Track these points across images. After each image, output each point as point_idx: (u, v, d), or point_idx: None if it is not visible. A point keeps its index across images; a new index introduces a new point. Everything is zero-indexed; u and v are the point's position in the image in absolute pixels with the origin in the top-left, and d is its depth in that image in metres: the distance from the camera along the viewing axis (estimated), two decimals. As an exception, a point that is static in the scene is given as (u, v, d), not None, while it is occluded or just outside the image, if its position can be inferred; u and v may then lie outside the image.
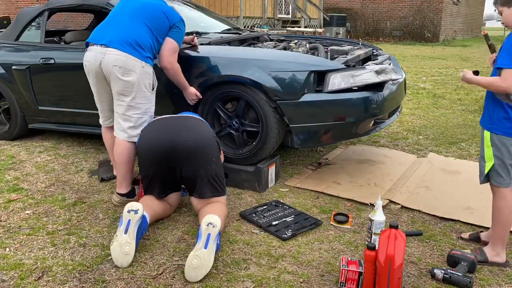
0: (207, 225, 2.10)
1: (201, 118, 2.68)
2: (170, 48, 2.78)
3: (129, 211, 2.16)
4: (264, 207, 2.75)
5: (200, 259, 2.03)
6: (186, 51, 3.14)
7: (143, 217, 2.25)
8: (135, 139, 2.68)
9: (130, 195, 2.81)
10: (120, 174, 2.77)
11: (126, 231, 2.14)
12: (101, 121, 2.97)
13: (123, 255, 2.12)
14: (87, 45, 2.74)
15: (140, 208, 2.18)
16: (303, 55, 3.08)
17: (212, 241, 2.09)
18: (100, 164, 3.31)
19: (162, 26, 2.73)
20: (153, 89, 2.75)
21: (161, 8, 2.74)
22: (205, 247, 2.06)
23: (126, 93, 2.64)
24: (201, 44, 3.30)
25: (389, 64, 3.44)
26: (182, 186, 2.71)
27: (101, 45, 2.64)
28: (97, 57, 2.63)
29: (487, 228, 2.51)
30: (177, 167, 2.45)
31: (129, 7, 2.75)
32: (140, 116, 2.69)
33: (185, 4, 4.34)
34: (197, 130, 2.49)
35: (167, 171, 2.48)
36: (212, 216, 2.15)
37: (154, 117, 2.69)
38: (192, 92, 2.98)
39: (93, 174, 3.32)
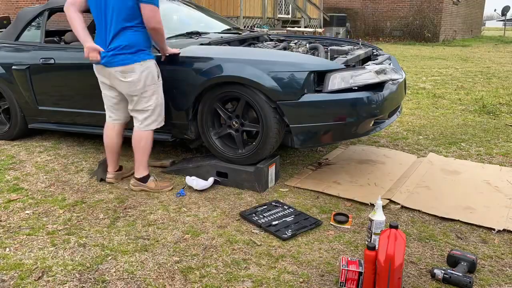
0: None
1: None
2: (148, 15, 2.75)
3: None
4: (264, 207, 2.75)
5: None
6: (187, 51, 3.14)
7: None
8: (152, 126, 2.98)
9: (144, 180, 3.04)
10: (136, 159, 3.04)
11: None
12: (107, 117, 3.15)
13: None
14: None
15: None
16: (303, 55, 3.08)
17: None
18: (99, 164, 3.31)
19: (129, 8, 2.74)
20: (158, 78, 2.93)
21: None
22: None
23: (132, 92, 2.88)
24: (201, 44, 3.30)
25: (389, 64, 3.44)
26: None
27: None
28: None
29: (487, 228, 2.51)
30: None
31: (100, 5, 2.82)
32: (153, 108, 2.94)
33: (185, 4, 4.34)
34: None
35: None
36: None
37: None
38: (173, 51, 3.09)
39: (93, 175, 3.32)
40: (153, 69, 2.88)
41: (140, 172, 3.04)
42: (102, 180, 3.21)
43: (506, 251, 2.30)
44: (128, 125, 3.15)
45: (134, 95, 2.88)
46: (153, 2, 2.73)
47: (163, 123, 3.07)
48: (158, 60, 3.13)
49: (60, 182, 3.21)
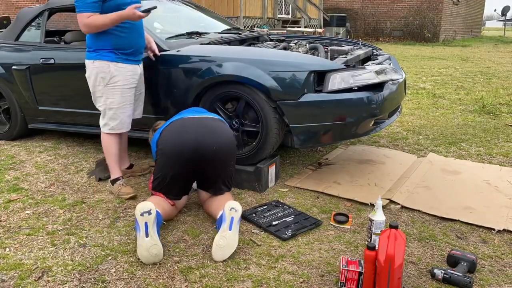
0: (230, 210, 2.27)
1: (221, 119, 2.67)
2: (79, 22, 2.74)
3: (142, 214, 2.17)
4: (264, 207, 2.75)
5: (226, 239, 2.19)
6: (186, 51, 3.14)
7: (157, 213, 2.28)
8: (104, 129, 2.94)
9: (112, 182, 3.01)
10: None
11: (147, 235, 2.15)
12: None
13: (153, 257, 2.14)
14: None
15: (152, 207, 2.20)
16: (303, 55, 3.08)
17: (236, 223, 2.25)
18: (96, 164, 3.31)
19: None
20: (111, 81, 2.85)
21: None
22: (230, 229, 2.23)
23: (89, 88, 2.97)
24: (201, 44, 3.31)
25: (389, 64, 3.44)
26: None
27: None
28: None
29: (487, 228, 2.51)
30: (197, 169, 2.51)
31: None
32: (102, 109, 2.94)
33: (185, 4, 4.35)
34: (221, 134, 2.51)
35: (186, 173, 2.52)
36: (234, 202, 2.31)
37: (173, 117, 2.68)
38: (132, 10, 2.69)
39: (91, 175, 3.32)
40: (104, 70, 2.82)
41: (112, 174, 3.03)
42: (101, 180, 3.21)
43: (506, 251, 2.30)
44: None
45: (91, 91, 2.97)
46: (79, 9, 2.71)
47: (122, 130, 2.96)
48: (157, 61, 3.14)
49: (60, 182, 3.21)
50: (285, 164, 3.58)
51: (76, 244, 2.36)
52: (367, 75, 2.93)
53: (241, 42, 3.81)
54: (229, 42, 3.59)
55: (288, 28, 12.70)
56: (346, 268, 1.96)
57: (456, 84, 7.39)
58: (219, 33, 3.92)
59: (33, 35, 3.99)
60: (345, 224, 2.57)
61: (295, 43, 3.82)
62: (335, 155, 3.74)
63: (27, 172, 3.42)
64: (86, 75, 2.93)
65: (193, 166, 2.48)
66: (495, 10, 31.79)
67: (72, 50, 3.68)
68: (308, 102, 2.85)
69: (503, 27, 27.96)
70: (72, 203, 2.86)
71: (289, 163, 3.60)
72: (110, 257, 2.23)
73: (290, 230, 2.46)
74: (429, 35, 18.00)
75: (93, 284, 2.02)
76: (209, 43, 3.34)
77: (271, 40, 4.21)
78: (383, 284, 1.84)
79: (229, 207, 2.27)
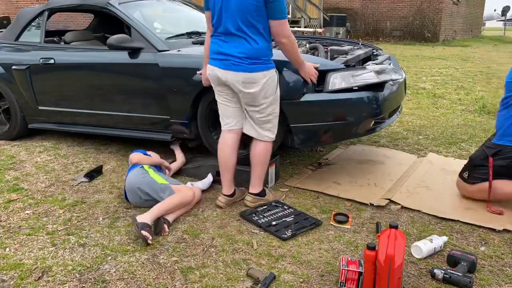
0: None
1: None
2: (277, 31, 2.50)
3: None
4: (264, 207, 2.75)
5: None
6: (187, 51, 3.14)
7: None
8: (267, 138, 2.69)
9: (262, 194, 2.82)
10: (254, 175, 2.79)
11: None
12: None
13: None
14: None
15: None
16: (303, 55, 3.07)
17: None
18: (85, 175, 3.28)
19: (254, 13, 2.45)
20: (276, 90, 2.64)
21: None
22: None
23: (251, 102, 2.60)
24: (201, 44, 3.30)
25: (389, 64, 3.44)
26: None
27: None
28: (215, 74, 2.61)
29: (487, 228, 2.51)
30: None
31: (222, 12, 2.51)
32: (270, 118, 2.67)
33: (185, 4, 4.35)
34: None
35: None
36: None
37: None
38: (311, 67, 2.76)
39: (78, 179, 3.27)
40: (275, 79, 2.61)
41: (257, 187, 2.82)
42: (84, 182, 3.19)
43: (506, 251, 2.30)
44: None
45: (258, 104, 2.66)
46: (283, 15, 2.49)
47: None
48: (157, 61, 3.14)
49: (60, 182, 3.21)
50: (285, 164, 3.58)
51: (76, 244, 2.36)
52: (367, 75, 2.93)
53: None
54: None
55: (288, 28, 12.67)
56: (346, 268, 1.96)
57: (456, 84, 7.38)
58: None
59: (33, 35, 3.99)
60: (345, 224, 2.56)
61: (295, 43, 3.81)
62: (335, 155, 3.74)
63: (27, 172, 3.42)
64: (255, 90, 2.53)
65: None
66: (495, 10, 31.79)
67: (72, 50, 3.68)
68: (308, 102, 2.84)
69: (503, 27, 27.96)
70: (72, 203, 2.86)
71: (289, 163, 3.60)
72: (110, 257, 2.23)
73: (290, 230, 2.46)
74: (429, 35, 17.99)
75: (93, 284, 2.02)
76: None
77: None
78: (383, 284, 1.84)
79: None
